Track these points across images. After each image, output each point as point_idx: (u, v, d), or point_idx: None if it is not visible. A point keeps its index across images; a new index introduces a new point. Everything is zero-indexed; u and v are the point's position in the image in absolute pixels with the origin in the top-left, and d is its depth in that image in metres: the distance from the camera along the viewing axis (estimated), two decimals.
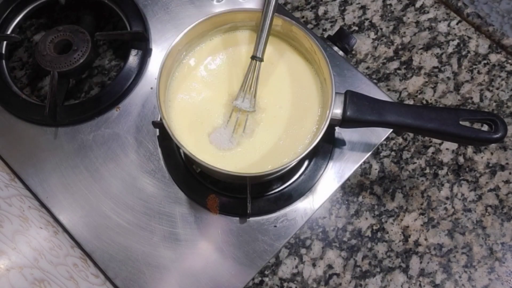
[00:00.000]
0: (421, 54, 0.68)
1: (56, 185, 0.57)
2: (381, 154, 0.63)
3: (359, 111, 0.49)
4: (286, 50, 0.55)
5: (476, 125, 0.62)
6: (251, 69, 0.50)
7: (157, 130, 0.59)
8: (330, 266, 0.59)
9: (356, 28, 0.70)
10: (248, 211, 0.54)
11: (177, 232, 0.55)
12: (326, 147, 0.58)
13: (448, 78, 0.67)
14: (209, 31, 0.54)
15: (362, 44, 0.69)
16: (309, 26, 0.70)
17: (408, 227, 0.60)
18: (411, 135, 0.64)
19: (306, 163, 0.58)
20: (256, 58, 0.50)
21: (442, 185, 0.62)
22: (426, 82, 0.67)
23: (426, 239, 0.60)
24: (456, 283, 0.58)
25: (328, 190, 0.57)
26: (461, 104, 0.66)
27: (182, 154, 0.59)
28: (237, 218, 0.56)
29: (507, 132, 0.47)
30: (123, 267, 0.54)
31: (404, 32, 0.69)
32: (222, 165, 0.47)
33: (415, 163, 0.63)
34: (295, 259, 0.59)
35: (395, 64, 0.68)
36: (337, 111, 0.49)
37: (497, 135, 0.47)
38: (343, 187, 0.62)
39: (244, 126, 0.51)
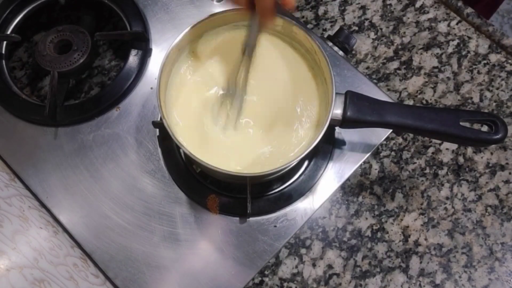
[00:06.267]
0: (421, 54, 0.68)
1: (56, 185, 0.57)
2: (381, 154, 0.63)
3: (359, 111, 0.49)
4: (286, 50, 0.55)
5: (476, 126, 0.63)
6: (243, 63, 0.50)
7: (157, 130, 0.59)
8: (330, 266, 0.59)
9: (356, 28, 0.70)
10: (248, 211, 0.54)
11: (177, 232, 0.55)
12: (326, 147, 0.58)
13: (448, 78, 0.67)
14: (209, 31, 0.54)
15: (362, 44, 0.69)
16: (309, 26, 0.70)
17: (408, 227, 0.60)
18: (411, 135, 0.64)
19: (306, 163, 0.58)
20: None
21: (442, 185, 0.62)
22: (426, 82, 0.67)
23: (426, 239, 0.60)
24: (456, 283, 0.58)
25: (328, 190, 0.58)
26: (461, 104, 0.66)
27: (182, 154, 0.59)
28: (237, 218, 0.56)
29: (507, 133, 0.47)
30: (123, 267, 0.54)
31: (404, 32, 0.69)
32: (222, 165, 0.47)
33: (415, 163, 0.63)
34: (295, 259, 0.59)
35: (395, 64, 0.68)
36: (337, 111, 0.49)
37: (497, 136, 0.47)
38: (343, 187, 0.62)
39: (237, 115, 0.51)
